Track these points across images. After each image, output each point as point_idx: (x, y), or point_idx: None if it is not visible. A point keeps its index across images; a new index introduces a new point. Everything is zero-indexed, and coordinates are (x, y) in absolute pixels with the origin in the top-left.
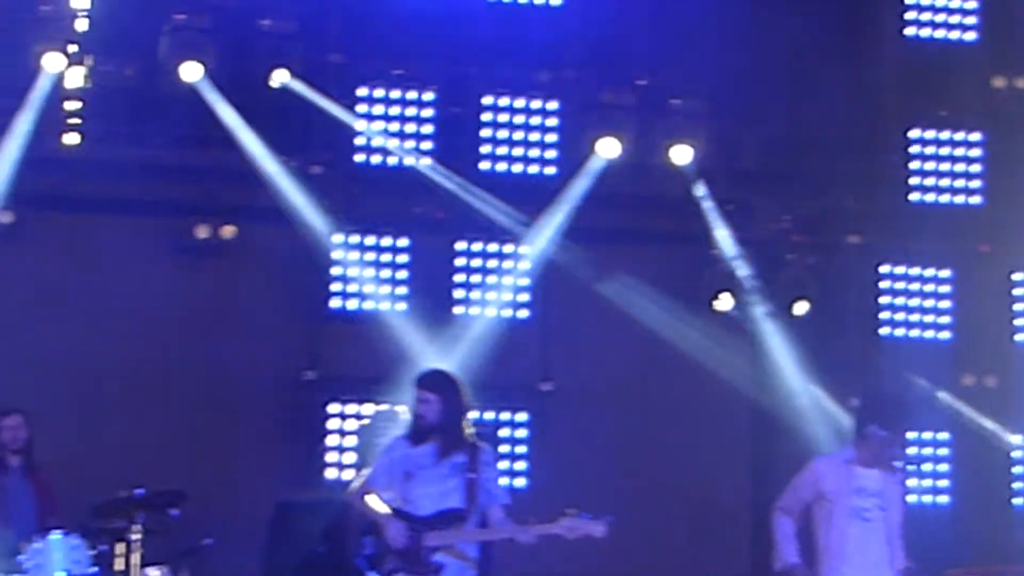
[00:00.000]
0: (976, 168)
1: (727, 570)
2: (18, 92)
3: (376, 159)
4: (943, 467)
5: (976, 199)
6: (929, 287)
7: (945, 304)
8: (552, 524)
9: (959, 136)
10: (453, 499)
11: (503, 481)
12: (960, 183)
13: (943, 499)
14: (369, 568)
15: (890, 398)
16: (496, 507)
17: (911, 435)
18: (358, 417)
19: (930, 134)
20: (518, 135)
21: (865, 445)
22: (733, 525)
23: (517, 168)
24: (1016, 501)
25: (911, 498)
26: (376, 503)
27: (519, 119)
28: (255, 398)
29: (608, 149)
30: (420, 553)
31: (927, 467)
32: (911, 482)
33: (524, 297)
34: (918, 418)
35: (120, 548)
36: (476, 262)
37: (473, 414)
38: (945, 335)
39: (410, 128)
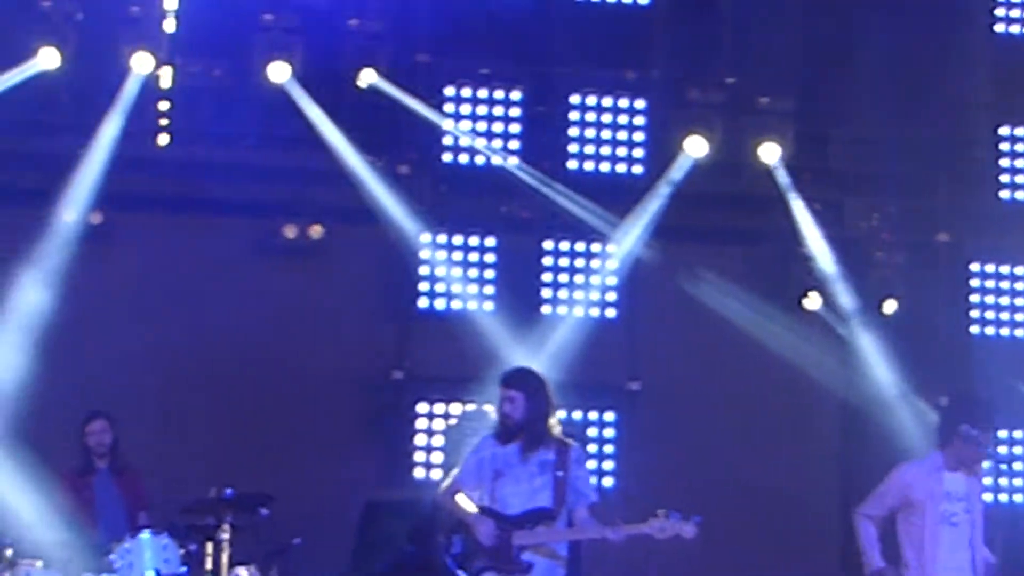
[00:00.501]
0: None
1: (817, 569)
2: (109, 93)
3: (463, 158)
4: None
5: None
6: (1021, 285)
7: None
8: (643, 524)
9: None
10: (542, 498)
11: (592, 480)
12: None
13: None
14: (458, 567)
15: (979, 397)
16: (582, 506)
17: (1002, 434)
18: (446, 417)
19: (1021, 131)
20: (605, 134)
21: (952, 447)
22: (822, 526)
23: (604, 167)
24: None
25: (1003, 497)
26: (465, 502)
27: (606, 118)
28: (343, 398)
29: (696, 148)
30: (509, 552)
31: (1018, 466)
32: (1002, 481)
33: (611, 296)
34: (1009, 416)
35: (209, 548)
36: (563, 261)
37: (561, 414)
38: None
39: (497, 127)
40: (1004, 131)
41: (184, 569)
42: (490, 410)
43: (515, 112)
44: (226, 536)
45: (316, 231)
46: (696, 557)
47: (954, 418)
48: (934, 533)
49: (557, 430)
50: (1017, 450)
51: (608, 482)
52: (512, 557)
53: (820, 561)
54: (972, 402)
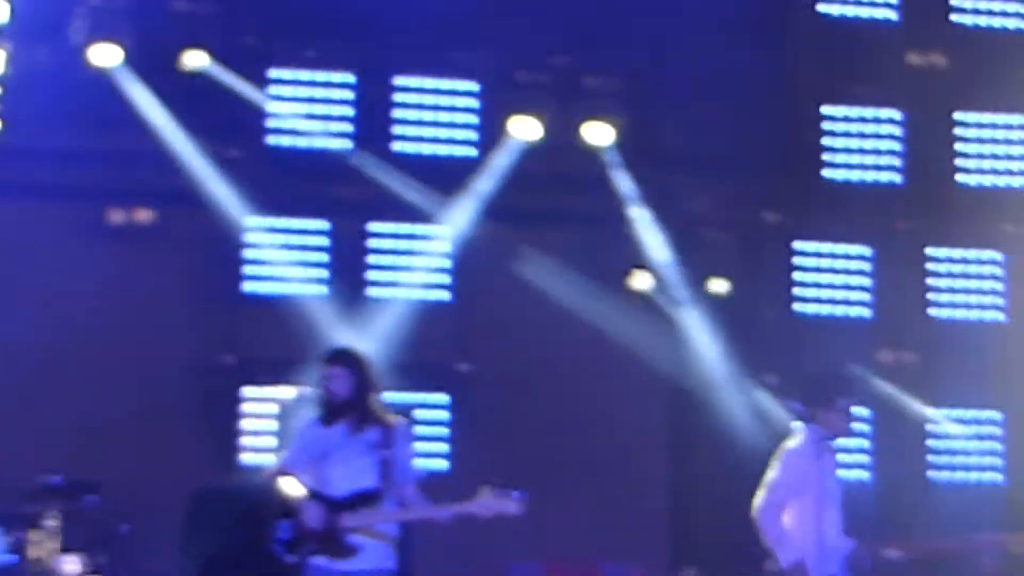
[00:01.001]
0: (893, 145)
1: (646, 549)
2: None
3: (292, 141)
4: (863, 443)
5: (893, 176)
6: (846, 264)
7: (863, 281)
8: (467, 502)
9: (875, 113)
10: (368, 478)
11: (423, 462)
12: (876, 160)
13: (863, 475)
14: (286, 552)
15: (842, 372)
16: (410, 485)
17: None
18: (275, 401)
19: (845, 111)
20: (435, 116)
21: (827, 422)
22: (652, 504)
23: (434, 149)
24: (933, 475)
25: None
26: (292, 486)
27: (435, 100)
28: (172, 383)
29: (525, 129)
30: (337, 535)
31: (847, 443)
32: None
33: (442, 278)
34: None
35: (37, 535)
36: (393, 244)
37: (392, 396)
38: (863, 312)
39: (326, 110)
40: (829, 111)
41: (13, 556)
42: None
43: (343, 95)
44: (54, 523)
45: (143, 215)
46: (527, 537)
47: (829, 392)
48: (823, 511)
49: (382, 409)
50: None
51: (441, 464)
52: (340, 540)
53: (649, 541)
54: (844, 376)
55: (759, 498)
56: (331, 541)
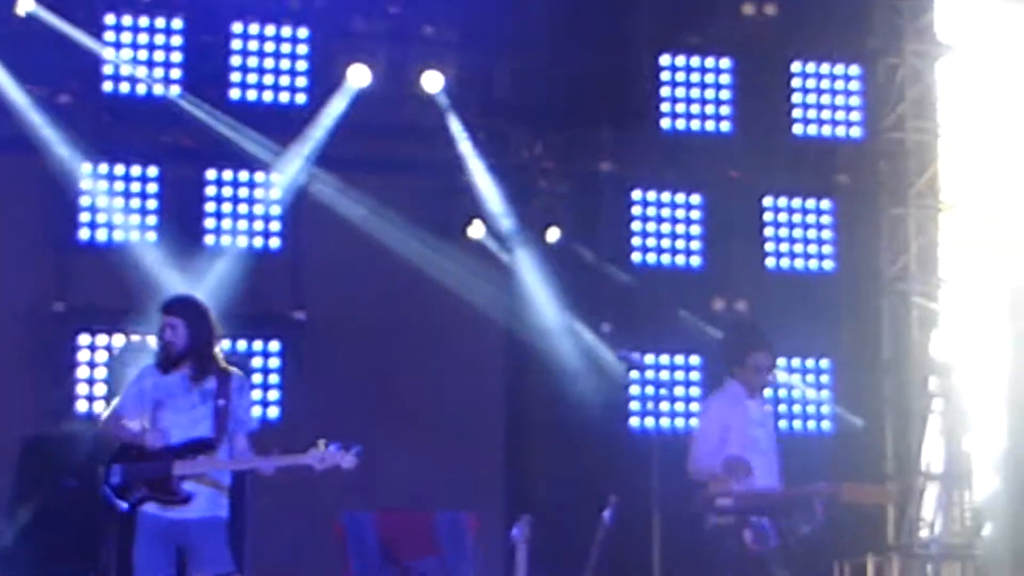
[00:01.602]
0: (726, 95)
1: (481, 497)
2: None
3: (125, 88)
4: (694, 391)
5: (726, 125)
6: (680, 213)
7: (696, 230)
8: (301, 455)
9: (709, 63)
10: (203, 427)
11: (256, 411)
12: (710, 110)
13: (694, 423)
14: (117, 497)
15: (748, 328)
16: (242, 434)
17: (664, 359)
18: (108, 349)
19: (680, 60)
20: (268, 63)
21: (744, 374)
22: (487, 453)
23: (268, 96)
24: None
25: (664, 422)
26: (125, 432)
27: (269, 47)
28: (3, 330)
29: (359, 77)
30: (169, 482)
31: (679, 391)
32: (663, 406)
33: (275, 226)
34: (670, 341)
35: None
36: (227, 191)
37: (225, 344)
38: (696, 260)
39: (159, 56)
40: (665, 61)
41: None
42: (152, 341)
43: (176, 40)
44: None
45: None
46: (361, 487)
47: (741, 345)
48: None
49: (220, 359)
50: (678, 375)
51: (274, 412)
52: (172, 487)
53: (485, 490)
54: (754, 329)
55: (689, 458)
56: (163, 488)
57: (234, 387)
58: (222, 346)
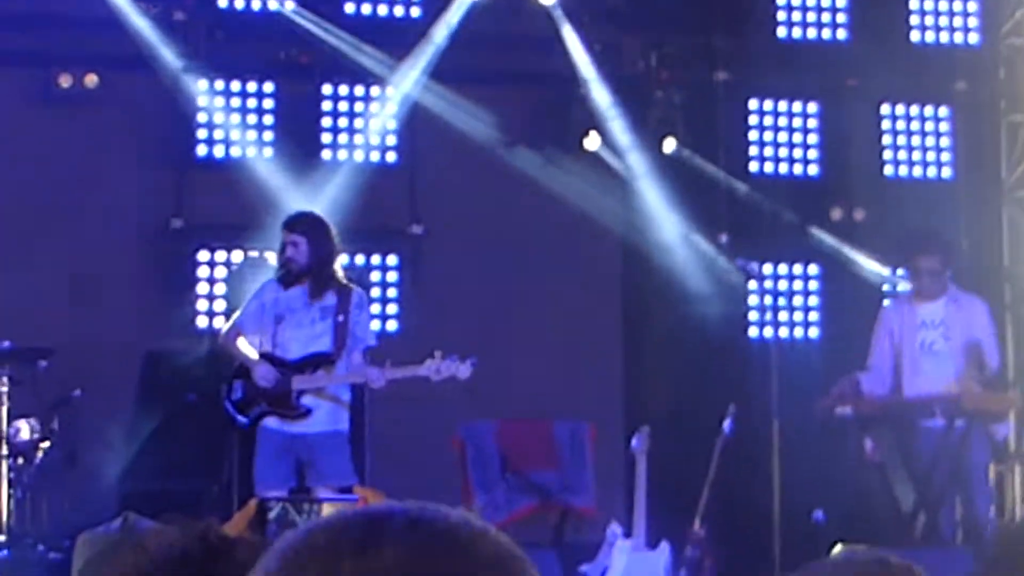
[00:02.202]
0: (842, 2)
1: (600, 408)
2: None
3: (239, 3)
4: (813, 300)
5: (842, 33)
6: (797, 122)
7: (813, 139)
8: (417, 366)
9: None
10: (322, 342)
11: (375, 325)
12: (827, 17)
13: (813, 332)
14: (238, 412)
15: (922, 230)
16: (358, 350)
17: (783, 269)
18: (227, 264)
19: None
20: None
21: (912, 279)
22: (605, 364)
23: (382, 10)
24: None
25: (783, 332)
26: (245, 347)
27: None
28: (123, 247)
29: None
30: (288, 396)
31: (798, 301)
32: (782, 316)
33: (392, 140)
34: (788, 251)
35: None
36: (343, 106)
37: (344, 258)
38: (813, 169)
39: None
40: None
41: None
42: (271, 257)
43: None
44: (4, 389)
45: (91, 80)
46: (480, 399)
47: (904, 251)
48: (913, 362)
49: (340, 275)
50: (797, 285)
51: (392, 326)
52: (291, 401)
53: (603, 401)
54: (917, 234)
55: None
56: (282, 402)
57: (353, 303)
58: (341, 261)
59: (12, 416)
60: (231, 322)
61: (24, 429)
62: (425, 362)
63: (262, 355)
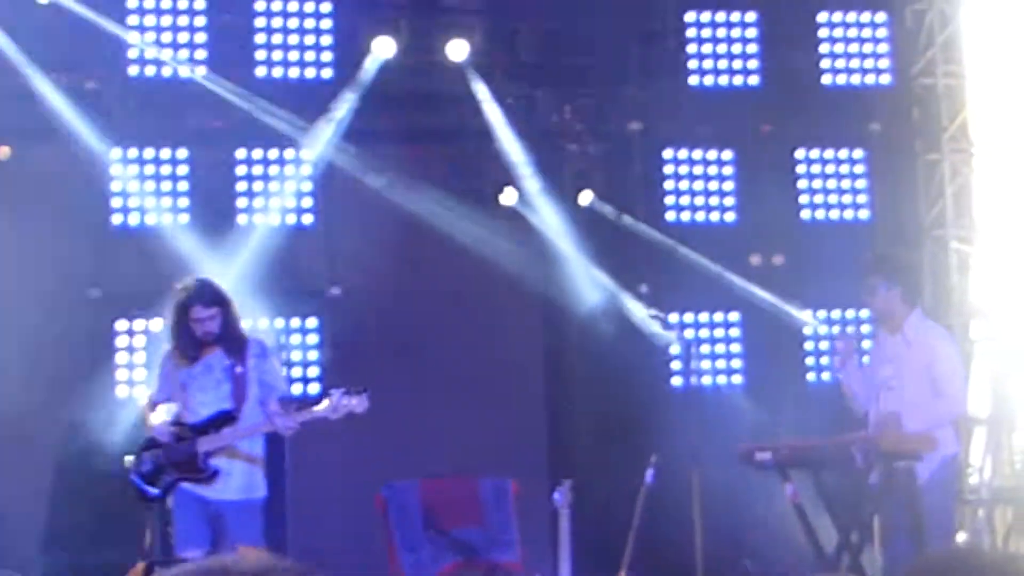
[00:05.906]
0: (753, 48)
1: (524, 463)
2: None
3: (151, 71)
4: (735, 348)
5: (754, 79)
6: (713, 170)
7: (729, 186)
8: (315, 408)
9: (734, 17)
10: (226, 401)
11: (296, 388)
12: (738, 64)
13: (737, 379)
14: (148, 484)
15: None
16: (273, 399)
17: (703, 318)
18: (146, 333)
19: (705, 16)
20: (292, 39)
21: None
22: (529, 420)
23: (293, 72)
24: (809, 377)
25: (706, 380)
26: (157, 417)
27: (292, 23)
28: (41, 320)
29: (383, 48)
30: (195, 460)
31: (720, 348)
32: (705, 364)
33: (308, 203)
34: (708, 299)
35: None
36: (257, 170)
37: (264, 322)
38: (731, 216)
39: (183, 37)
40: (689, 17)
41: None
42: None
43: (200, 21)
44: None
45: (3, 152)
46: (405, 457)
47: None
48: (877, 397)
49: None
50: (718, 332)
51: (314, 389)
52: (198, 464)
53: (528, 456)
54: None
55: None
56: (190, 466)
57: (251, 353)
58: (257, 324)
59: None
60: (149, 395)
61: None
62: (323, 402)
63: (166, 422)
